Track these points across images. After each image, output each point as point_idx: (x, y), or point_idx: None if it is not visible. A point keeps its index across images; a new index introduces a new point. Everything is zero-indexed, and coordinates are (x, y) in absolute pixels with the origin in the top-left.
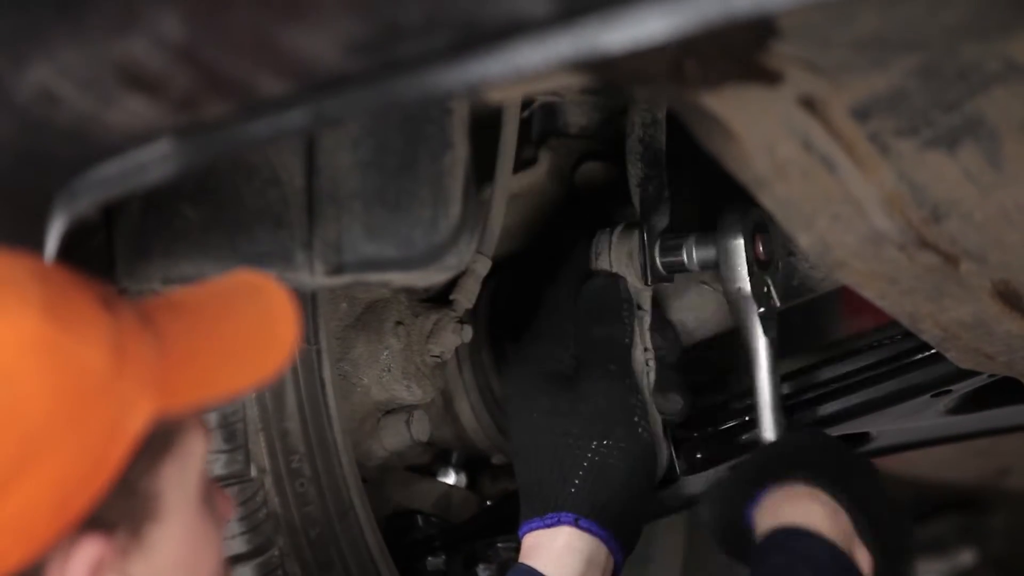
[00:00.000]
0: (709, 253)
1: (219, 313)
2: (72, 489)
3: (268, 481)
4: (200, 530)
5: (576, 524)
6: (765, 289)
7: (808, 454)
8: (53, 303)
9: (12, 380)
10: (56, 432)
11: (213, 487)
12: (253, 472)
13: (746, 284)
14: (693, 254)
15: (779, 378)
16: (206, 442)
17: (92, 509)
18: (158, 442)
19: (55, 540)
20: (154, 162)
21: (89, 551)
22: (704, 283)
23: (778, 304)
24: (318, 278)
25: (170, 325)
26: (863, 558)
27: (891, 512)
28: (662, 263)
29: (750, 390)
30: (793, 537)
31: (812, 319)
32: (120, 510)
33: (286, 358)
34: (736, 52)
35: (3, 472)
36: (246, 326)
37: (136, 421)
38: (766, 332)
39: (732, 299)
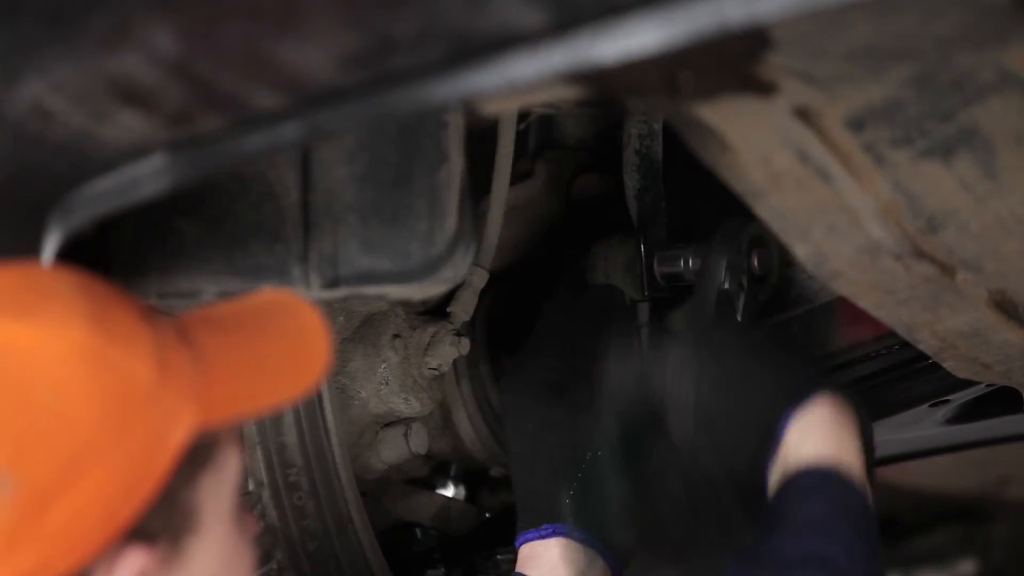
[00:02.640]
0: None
1: (254, 329)
2: (119, 499)
3: (266, 495)
4: (234, 544)
5: (571, 535)
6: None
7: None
8: (99, 315)
9: (62, 390)
10: (104, 442)
11: (243, 504)
12: (251, 486)
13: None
14: (691, 264)
15: None
16: (241, 457)
17: (137, 520)
18: (198, 455)
19: (101, 550)
20: (148, 177)
21: (133, 561)
22: None
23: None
24: (314, 292)
25: (207, 340)
26: (870, 492)
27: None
28: (660, 274)
29: None
30: (838, 486)
31: (810, 329)
32: (162, 521)
33: (322, 373)
34: (730, 63)
35: (53, 481)
36: (282, 343)
37: (179, 433)
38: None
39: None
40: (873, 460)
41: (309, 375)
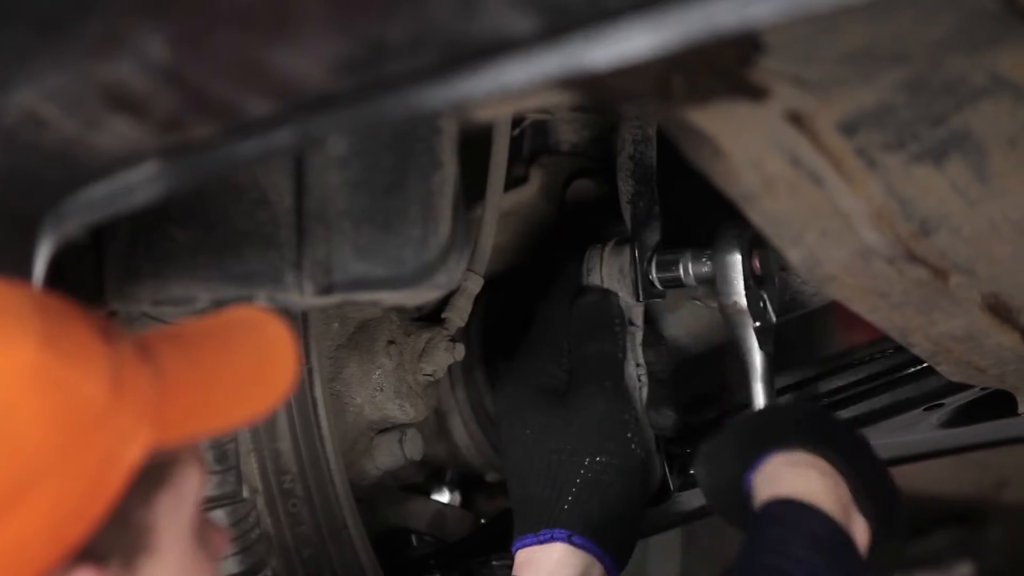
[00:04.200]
0: (706, 268)
1: (218, 346)
2: (67, 520)
3: (260, 502)
4: (193, 564)
5: (569, 540)
6: (761, 304)
7: (806, 422)
8: (52, 334)
9: (10, 411)
10: (52, 462)
11: (208, 522)
12: (245, 493)
13: (742, 298)
14: (690, 269)
15: (775, 392)
16: (201, 476)
17: (86, 540)
18: (154, 474)
19: (49, 571)
20: (141, 184)
21: None
22: (696, 299)
23: (774, 319)
24: (308, 298)
25: (169, 357)
26: (860, 528)
27: (886, 481)
28: (659, 278)
29: (746, 405)
30: (791, 509)
31: (807, 334)
32: (114, 542)
33: (284, 393)
34: (722, 68)
35: None
36: (245, 360)
37: (133, 452)
38: (762, 346)
39: (728, 313)
40: (863, 490)
41: (272, 393)
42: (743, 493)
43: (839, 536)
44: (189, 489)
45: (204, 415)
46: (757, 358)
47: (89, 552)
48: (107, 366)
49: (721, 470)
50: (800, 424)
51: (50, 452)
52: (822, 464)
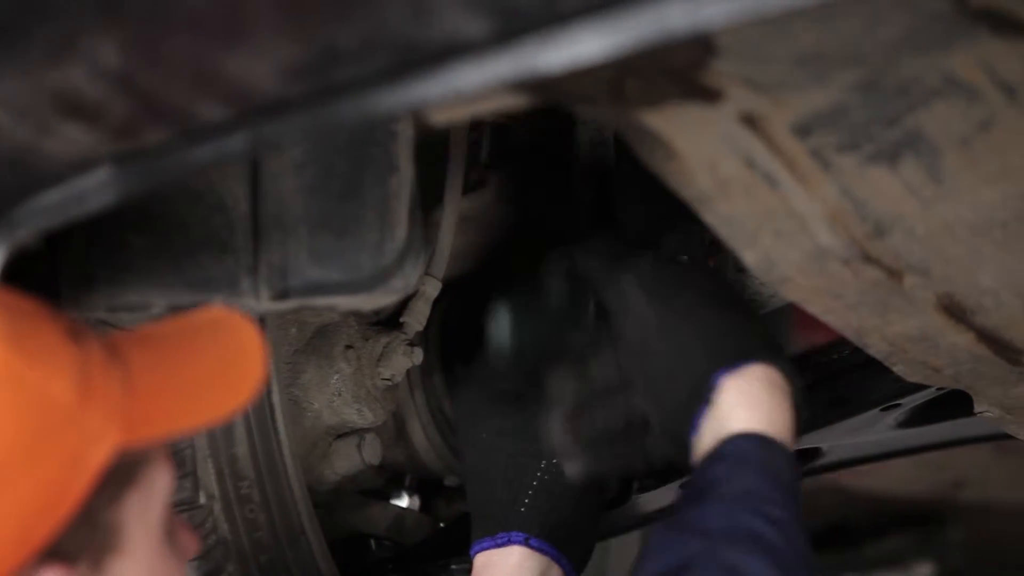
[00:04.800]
0: None
1: (187, 348)
2: (34, 519)
3: (217, 507)
4: (161, 563)
5: (527, 543)
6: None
7: (759, 332)
8: (20, 334)
9: None
10: (19, 463)
11: (177, 521)
12: (202, 499)
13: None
14: None
15: None
16: (170, 475)
17: (54, 540)
18: (122, 474)
19: (16, 570)
20: (94, 190)
21: None
22: None
23: None
24: (264, 303)
25: (137, 358)
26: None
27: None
28: None
29: None
30: (770, 454)
31: None
32: (82, 542)
33: (252, 394)
34: (675, 71)
35: None
36: (214, 361)
37: (100, 453)
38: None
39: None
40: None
41: (241, 394)
42: (700, 387)
43: (798, 483)
44: (158, 489)
45: (172, 415)
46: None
47: (57, 551)
48: (75, 366)
49: (686, 377)
50: (758, 334)
51: (17, 452)
52: (794, 394)
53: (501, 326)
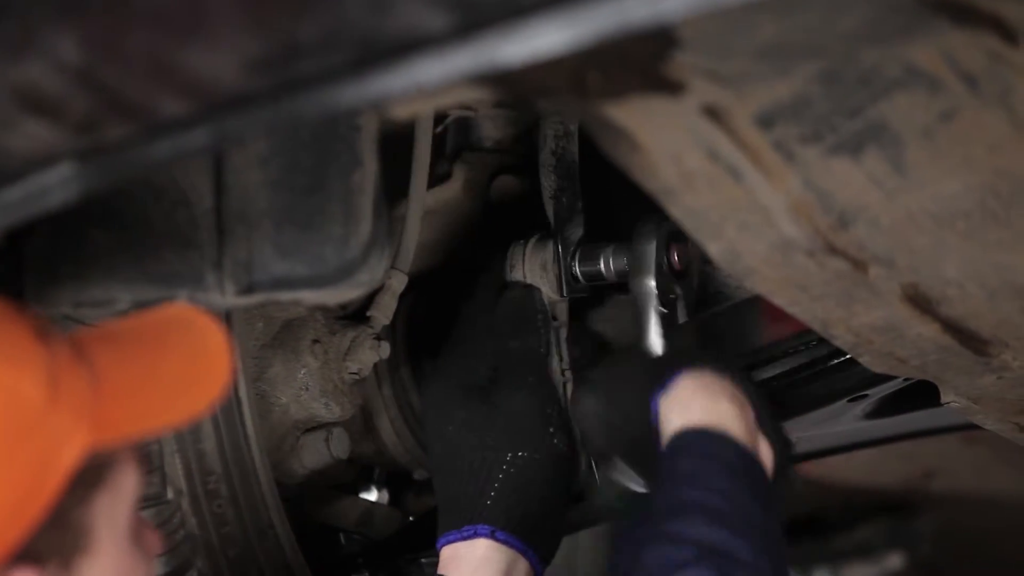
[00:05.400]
0: (624, 262)
1: (153, 346)
2: (4, 522)
3: (185, 503)
4: (129, 564)
5: (493, 536)
6: (671, 296)
7: (704, 353)
8: None
9: None
10: None
11: (143, 521)
12: (170, 494)
13: (651, 280)
14: (611, 263)
15: None
16: (138, 475)
17: (24, 542)
18: (90, 475)
19: None
20: (56, 186)
21: None
22: (621, 295)
23: (684, 317)
24: (229, 298)
25: (104, 357)
26: (764, 450)
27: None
28: (581, 272)
29: None
30: (705, 439)
31: (732, 327)
32: (51, 543)
33: (219, 393)
34: (637, 63)
35: None
36: (180, 360)
37: (69, 454)
38: (664, 334)
39: (635, 296)
40: (764, 412)
41: (207, 394)
42: (650, 419)
43: (751, 463)
44: (126, 489)
45: (140, 415)
46: (658, 345)
47: (27, 553)
48: (43, 366)
49: (623, 396)
50: (702, 351)
51: None
52: (729, 387)
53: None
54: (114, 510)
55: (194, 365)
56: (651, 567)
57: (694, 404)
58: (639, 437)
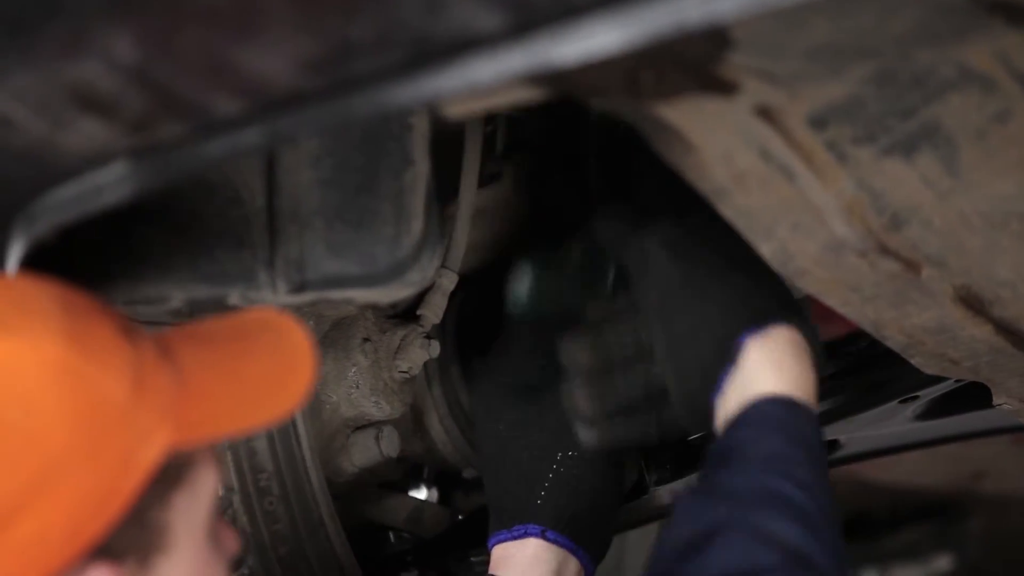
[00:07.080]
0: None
1: (239, 348)
2: (85, 517)
3: (236, 500)
4: (206, 563)
5: (543, 536)
6: None
7: (780, 293)
8: (76, 331)
9: (33, 406)
10: (73, 459)
11: (220, 521)
12: (221, 491)
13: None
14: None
15: None
16: (217, 476)
17: (103, 538)
18: (171, 474)
19: (65, 567)
20: (110, 184)
21: None
22: None
23: None
24: (281, 296)
25: (189, 357)
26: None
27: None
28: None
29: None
30: (797, 417)
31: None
32: (130, 540)
33: (304, 395)
34: (691, 63)
35: (19, 496)
36: (265, 363)
37: (151, 452)
38: None
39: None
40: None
41: (291, 397)
42: (728, 358)
43: (824, 448)
44: (205, 490)
45: (222, 417)
46: None
47: (105, 550)
48: (129, 364)
49: (710, 340)
50: (782, 296)
51: (71, 449)
52: (803, 343)
53: (522, 282)
54: (193, 510)
55: (280, 367)
56: (733, 560)
57: (790, 368)
58: (694, 340)
